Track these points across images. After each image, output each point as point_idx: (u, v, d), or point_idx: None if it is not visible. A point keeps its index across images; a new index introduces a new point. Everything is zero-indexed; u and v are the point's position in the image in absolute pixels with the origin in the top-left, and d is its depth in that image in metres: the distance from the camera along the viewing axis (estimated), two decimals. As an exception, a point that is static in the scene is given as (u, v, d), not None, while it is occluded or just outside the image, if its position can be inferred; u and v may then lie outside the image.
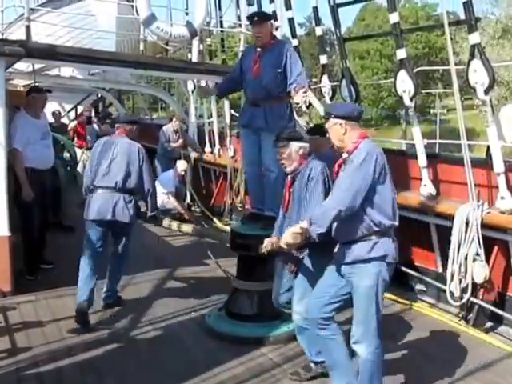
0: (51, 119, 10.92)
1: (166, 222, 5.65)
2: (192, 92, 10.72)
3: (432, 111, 36.11)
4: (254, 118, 4.75)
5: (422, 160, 5.88)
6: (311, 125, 8.23)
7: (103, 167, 4.95)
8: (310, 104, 7.47)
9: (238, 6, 9.93)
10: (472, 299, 5.20)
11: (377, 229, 3.34)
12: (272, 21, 4.96)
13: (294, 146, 3.90)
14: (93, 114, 13.07)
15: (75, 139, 10.19)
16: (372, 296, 3.39)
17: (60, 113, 12.03)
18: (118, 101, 15.59)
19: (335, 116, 3.43)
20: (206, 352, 4.36)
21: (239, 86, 5.03)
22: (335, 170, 3.48)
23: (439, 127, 13.12)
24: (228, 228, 6.74)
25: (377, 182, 3.31)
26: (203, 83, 8.44)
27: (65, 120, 12.98)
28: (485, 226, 5.10)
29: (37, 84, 6.87)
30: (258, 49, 4.71)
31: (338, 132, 3.42)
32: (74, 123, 10.98)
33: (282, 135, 4.01)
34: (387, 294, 5.71)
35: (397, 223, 3.42)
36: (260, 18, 4.69)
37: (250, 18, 4.82)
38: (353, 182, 3.28)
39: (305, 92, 4.43)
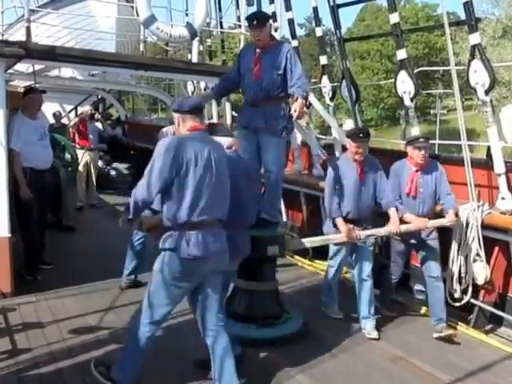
0: (52, 120, 10.92)
1: None
2: (192, 93, 10.72)
3: (432, 112, 36.11)
4: (253, 118, 4.75)
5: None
6: (311, 125, 8.24)
7: None
8: (311, 104, 7.48)
9: (237, 6, 9.95)
10: (472, 300, 5.21)
11: (168, 223, 3.38)
12: (271, 21, 4.93)
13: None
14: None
15: (76, 139, 10.04)
16: (153, 280, 3.49)
17: (61, 114, 12.02)
18: (118, 102, 15.60)
19: (173, 110, 3.62)
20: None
21: (236, 86, 5.02)
22: None
23: (439, 128, 13.12)
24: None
25: (177, 175, 3.30)
26: (202, 85, 8.41)
27: (65, 121, 12.97)
28: (485, 226, 5.10)
29: (34, 85, 6.88)
30: (258, 50, 4.70)
31: (175, 125, 3.58)
32: (75, 121, 10.84)
33: None
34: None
35: (195, 219, 3.35)
36: (259, 22, 4.65)
37: (249, 21, 4.73)
38: (149, 173, 3.33)
39: (303, 104, 4.46)
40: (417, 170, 5.00)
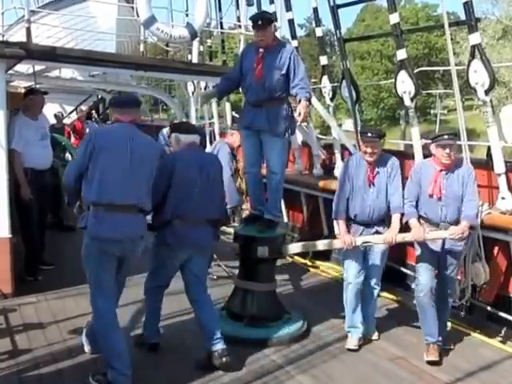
0: (53, 121, 10.92)
1: None
2: (192, 93, 10.71)
3: (432, 112, 36.12)
4: (256, 119, 4.74)
5: (420, 160, 5.87)
6: (311, 124, 8.24)
7: None
8: (310, 103, 7.47)
9: (237, 7, 9.93)
10: (472, 300, 5.21)
11: (85, 203, 3.78)
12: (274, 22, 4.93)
13: (173, 136, 4.39)
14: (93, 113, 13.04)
15: (72, 138, 9.98)
16: (83, 262, 3.85)
17: (62, 114, 12.03)
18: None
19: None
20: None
21: (237, 86, 5.02)
22: None
23: (439, 127, 13.13)
24: (229, 229, 6.77)
25: (90, 161, 3.68)
26: (202, 85, 8.42)
27: (67, 121, 12.98)
28: (485, 226, 5.10)
29: (35, 86, 6.89)
30: (261, 49, 4.69)
31: None
32: (72, 120, 10.82)
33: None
34: (386, 294, 5.72)
35: (104, 201, 3.64)
36: (264, 22, 4.64)
37: (254, 21, 4.70)
38: (71, 161, 3.87)
39: (307, 106, 4.51)
40: (441, 170, 4.49)
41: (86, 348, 4.17)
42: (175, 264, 4.25)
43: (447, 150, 4.40)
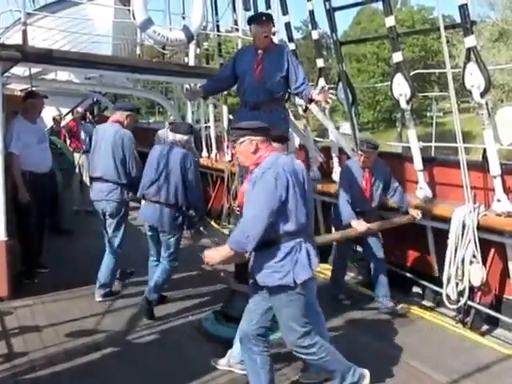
0: (49, 123, 10.87)
1: None
2: (189, 96, 10.68)
3: (428, 114, 36.16)
4: (255, 120, 4.73)
5: (418, 163, 5.90)
6: (308, 128, 8.25)
7: None
8: (307, 108, 7.50)
9: (234, 10, 9.96)
10: (469, 302, 5.22)
11: None
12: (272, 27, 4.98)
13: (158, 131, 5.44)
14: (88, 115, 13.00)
15: (67, 141, 9.95)
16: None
17: (61, 117, 12.00)
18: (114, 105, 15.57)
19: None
20: (204, 356, 4.34)
21: (228, 87, 5.02)
22: None
23: (435, 130, 13.08)
24: (225, 231, 6.77)
25: None
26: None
27: (62, 124, 12.93)
28: (481, 228, 5.12)
29: (31, 88, 6.88)
30: (260, 51, 4.69)
31: None
32: (67, 121, 10.78)
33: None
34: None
35: (91, 175, 5.48)
36: (268, 18, 4.69)
37: (257, 17, 4.76)
38: None
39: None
40: None
41: None
42: (148, 236, 5.20)
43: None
